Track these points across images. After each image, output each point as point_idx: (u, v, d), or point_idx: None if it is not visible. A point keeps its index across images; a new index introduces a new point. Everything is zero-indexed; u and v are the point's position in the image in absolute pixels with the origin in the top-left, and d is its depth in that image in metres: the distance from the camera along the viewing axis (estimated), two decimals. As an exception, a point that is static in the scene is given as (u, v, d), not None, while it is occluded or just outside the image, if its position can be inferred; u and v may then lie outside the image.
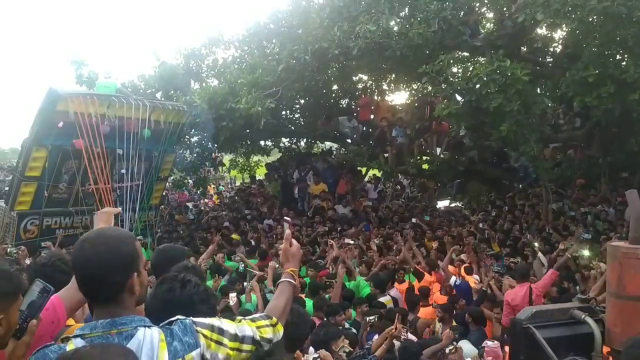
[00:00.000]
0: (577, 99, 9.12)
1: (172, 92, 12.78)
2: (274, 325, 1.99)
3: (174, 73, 13.41)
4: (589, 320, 3.20)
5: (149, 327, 1.72)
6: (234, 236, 11.23)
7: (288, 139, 17.10)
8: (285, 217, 2.77)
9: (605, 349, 3.19)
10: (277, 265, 6.95)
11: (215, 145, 13.84)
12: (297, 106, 15.41)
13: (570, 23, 7.80)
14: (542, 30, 11.47)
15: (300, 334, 3.64)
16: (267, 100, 10.29)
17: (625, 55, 8.82)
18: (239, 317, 1.95)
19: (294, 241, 2.22)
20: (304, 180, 14.27)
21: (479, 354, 4.88)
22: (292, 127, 15.92)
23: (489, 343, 4.57)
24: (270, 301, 2.18)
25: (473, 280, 7.87)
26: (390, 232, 10.87)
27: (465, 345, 5.14)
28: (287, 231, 2.27)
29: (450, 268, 8.05)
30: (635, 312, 3.32)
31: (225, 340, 1.79)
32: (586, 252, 7.50)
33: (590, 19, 8.05)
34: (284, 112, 14.85)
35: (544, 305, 3.92)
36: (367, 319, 5.71)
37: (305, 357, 4.14)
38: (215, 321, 1.83)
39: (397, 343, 4.82)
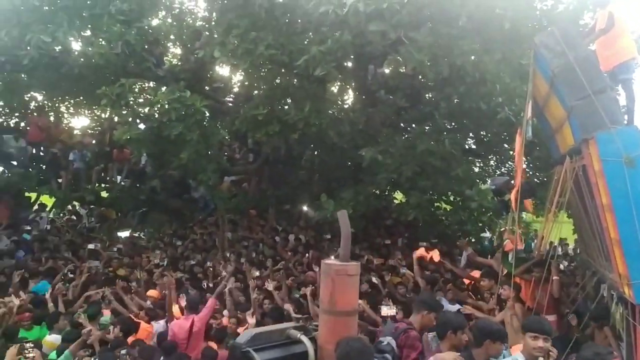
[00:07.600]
0: (250, 135, 10.08)
1: None
2: None
3: None
4: (304, 338, 3.37)
5: None
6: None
7: None
8: None
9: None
10: None
11: None
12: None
13: (243, 64, 8.63)
14: (223, 72, 12.39)
15: None
16: None
17: (289, 99, 10.14)
18: None
19: None
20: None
21: None
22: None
23: None
24: None
25: None
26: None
27: None
28: None
29: None
30: (346, 326, 3.47)
31: None
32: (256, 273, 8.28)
33: (261, 62, 9.08)
34: None
35: (262, 327, 3.86)
36: None
37: None
38: None
39: None
